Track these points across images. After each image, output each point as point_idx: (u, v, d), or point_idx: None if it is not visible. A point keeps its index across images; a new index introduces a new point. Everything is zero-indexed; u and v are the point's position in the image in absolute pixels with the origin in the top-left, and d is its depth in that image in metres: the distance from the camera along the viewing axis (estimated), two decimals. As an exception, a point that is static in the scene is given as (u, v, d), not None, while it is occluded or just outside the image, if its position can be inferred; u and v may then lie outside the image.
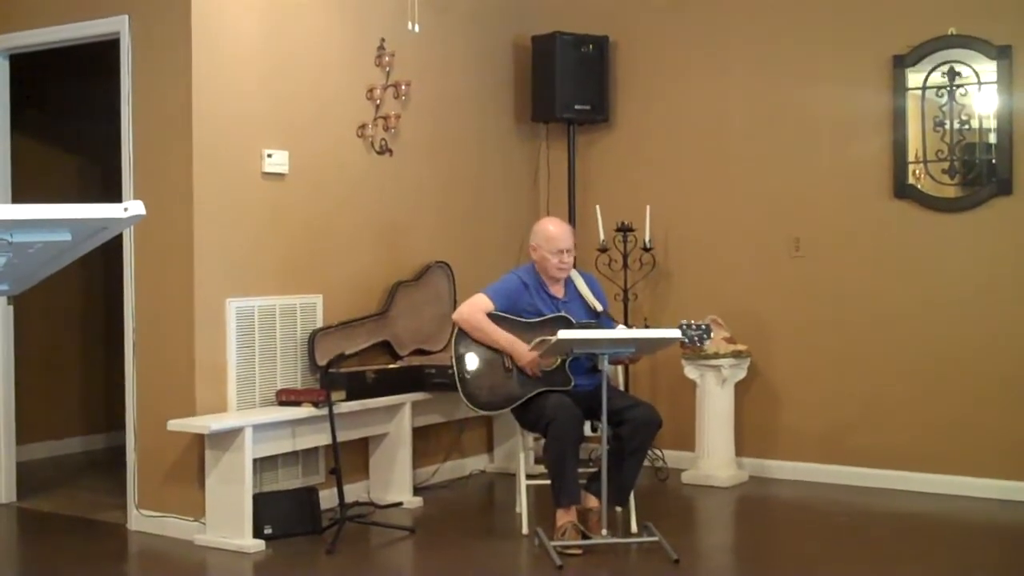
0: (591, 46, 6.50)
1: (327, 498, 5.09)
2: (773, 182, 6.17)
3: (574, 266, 5.11)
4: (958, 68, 5.62)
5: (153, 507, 5.03)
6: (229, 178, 5.06)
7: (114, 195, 5.28)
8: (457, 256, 6.15)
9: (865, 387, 5.91)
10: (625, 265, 6.33)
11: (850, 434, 5.94)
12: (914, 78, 5.74)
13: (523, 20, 6.71)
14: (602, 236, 6.29)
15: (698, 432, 6.03)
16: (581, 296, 5.08)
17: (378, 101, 5.76)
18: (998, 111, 5.56)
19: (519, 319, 4.94)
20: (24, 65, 5.80)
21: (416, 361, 5.77)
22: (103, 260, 5.69)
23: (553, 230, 5.02)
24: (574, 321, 4.91)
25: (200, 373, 4.92)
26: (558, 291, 5.07)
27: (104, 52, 5.30)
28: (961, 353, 5.67)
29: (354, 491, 5.36)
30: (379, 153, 5.80)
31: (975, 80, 5.60)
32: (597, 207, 6.31)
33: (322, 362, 5.26)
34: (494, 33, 6.61)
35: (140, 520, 5.06)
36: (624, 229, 6.30)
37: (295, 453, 5.29)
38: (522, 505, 5.04)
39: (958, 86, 5.64)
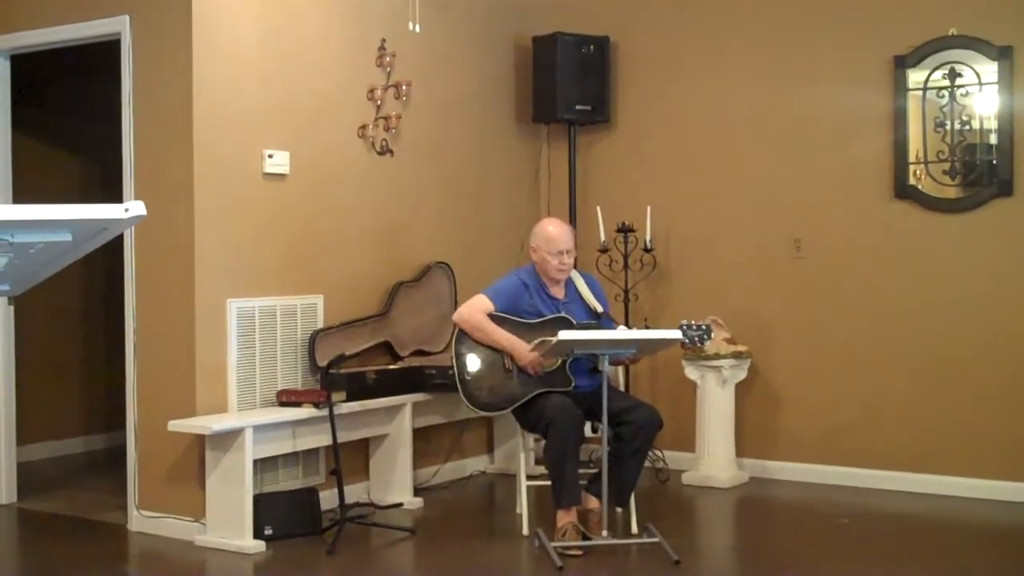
0: (592, 47, 6.49)
1: (327, 499, 5.08)
2: (774, 183, 6.16)
3: (575, 267, 5.11)
4: (959, 69, 5.62)
5: (153, 508, 5.02)
6: (230, 178, 5.06)
7: (114, 195, 5.28)
8: (458, 256, 6.15)
9: (865, 387, 5.91)
10: (626, 266, 6.32)
11: (850, 434, 5.94)
12: (915, 78, 5.74)
13: (524, 20, 6.71)
14: (603, 237, 6.29)
15: (698, 433, 6.03)
16: (581, 297, 5.07)
17: (379, 101, 5.76)
18: (999, 112, 5.56)
19: (519, 320, 4.94)
20: (24, 65, 5.80)
21: (416, 362, 5.76)
22: (103, 260, 5.67)
23: (553, 231, 5.02)
24: (574, 322, 4.91)
25: (201, 374, 4.92)
26: (558, 292, 5.06)
27: (104, 52, 5.30)
28: (961, 353, 5.67)
29: (354, 492, 5.36)
30: (380, 154, 5.79)
31: (976, 81, 5.60)
32: (598, 208, 6.31)
33: (323, 363, 5.26)
34: (495, 33, 6.61)
35: (140, 521, 5.06)
36: (625, 230, 6.29)
37: (295, 454, 5.29)
38: (522, 506, 5.04)
39: (959, 87, 5.64)
